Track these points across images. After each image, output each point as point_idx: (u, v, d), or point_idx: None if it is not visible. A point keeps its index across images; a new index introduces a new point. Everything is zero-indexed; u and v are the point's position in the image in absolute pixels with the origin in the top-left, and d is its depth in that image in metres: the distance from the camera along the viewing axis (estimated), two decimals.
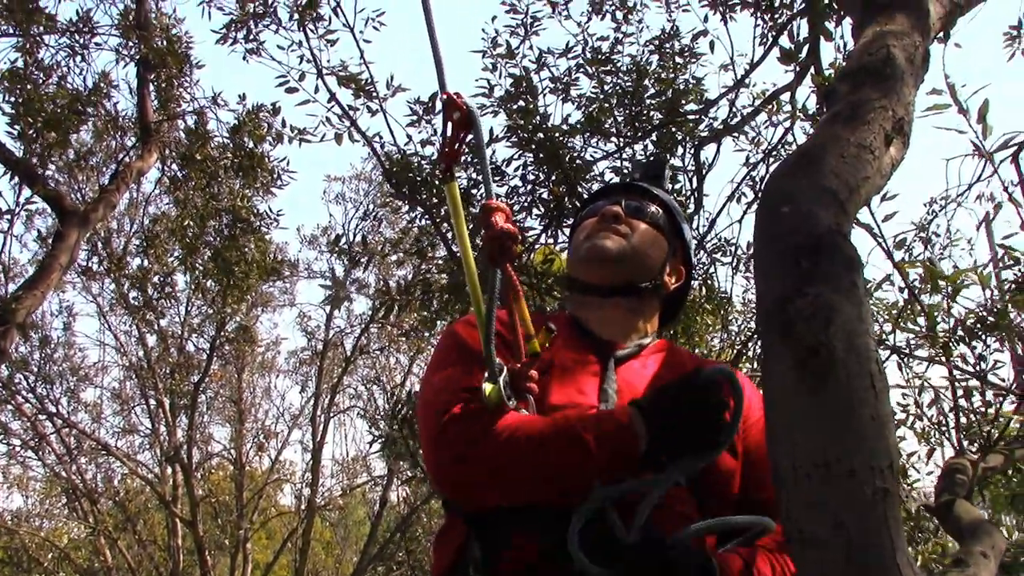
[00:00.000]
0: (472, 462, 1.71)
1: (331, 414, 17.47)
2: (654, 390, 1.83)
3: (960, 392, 3.20)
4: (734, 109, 4.86)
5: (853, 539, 1.54)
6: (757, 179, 5.17)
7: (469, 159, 4.14)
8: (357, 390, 18.38)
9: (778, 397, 1.68)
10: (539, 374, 1.80)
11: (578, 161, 4.49)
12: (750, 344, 5.49)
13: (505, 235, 1.75)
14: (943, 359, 3.07)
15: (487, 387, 1.73)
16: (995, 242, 4.37)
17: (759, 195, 2.07)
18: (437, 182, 4.63)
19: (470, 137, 1.86)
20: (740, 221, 5.20)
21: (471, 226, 2.02)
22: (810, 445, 1.60)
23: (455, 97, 1.79)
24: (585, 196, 2.19)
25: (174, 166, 7.99)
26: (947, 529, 2.52)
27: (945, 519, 2.47)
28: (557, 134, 4.45)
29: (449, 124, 1.86)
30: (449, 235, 4.74)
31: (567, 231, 4.76)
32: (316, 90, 5.71)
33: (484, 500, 1.77)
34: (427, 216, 4.77)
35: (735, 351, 5.50)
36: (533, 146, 4.39)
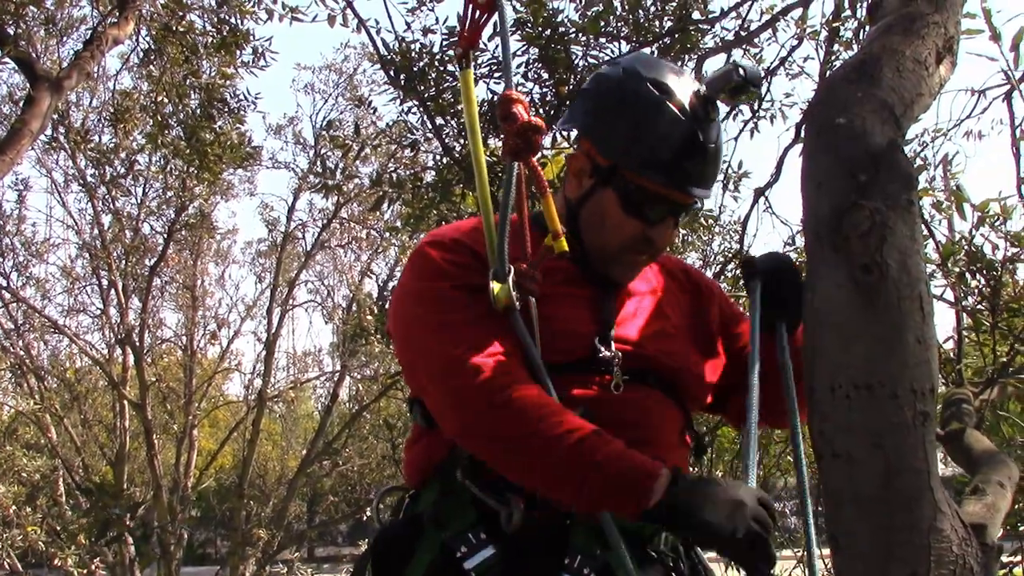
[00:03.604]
0: (485, 438, 1.63)
1: (287, 307, 17.39)
2: (692, 492, 1.55)
3: (966, 323, 3.24)
4: (744, 22, 4.77)
5: (891, 460, 1.52)
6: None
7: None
8: (314, 285, 18.33)
9: (823, 314, 1.64)
10: (538, 302, 1.72)
11: (584, 62, 4.40)
12: (729, 266, 5.51)
13: (529, 128, 1.66)
14: (950, 298, 3.10)
15: (495, 286, 1.69)
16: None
17: (811, 102, 1.99)
18: (434, 75, 4.51)
19: (492, 22, 1.77)
20: (736, 139, 5.19)
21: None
22: (854, 365, 1.57)
23: None
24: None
25: (147, 39, 7.72)
26: (956, 458, 2.52)
27: (954, 448, 2.49)
28: (570, 31, 4.32)
29: (471, 6, 1.77)
30: (446, 131, 4.64)
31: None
32: None
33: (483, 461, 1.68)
34: (421, 108, 4.66)
35: (714, 271, 5.52)
36: (542, 41, 4.27)
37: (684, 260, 2.40)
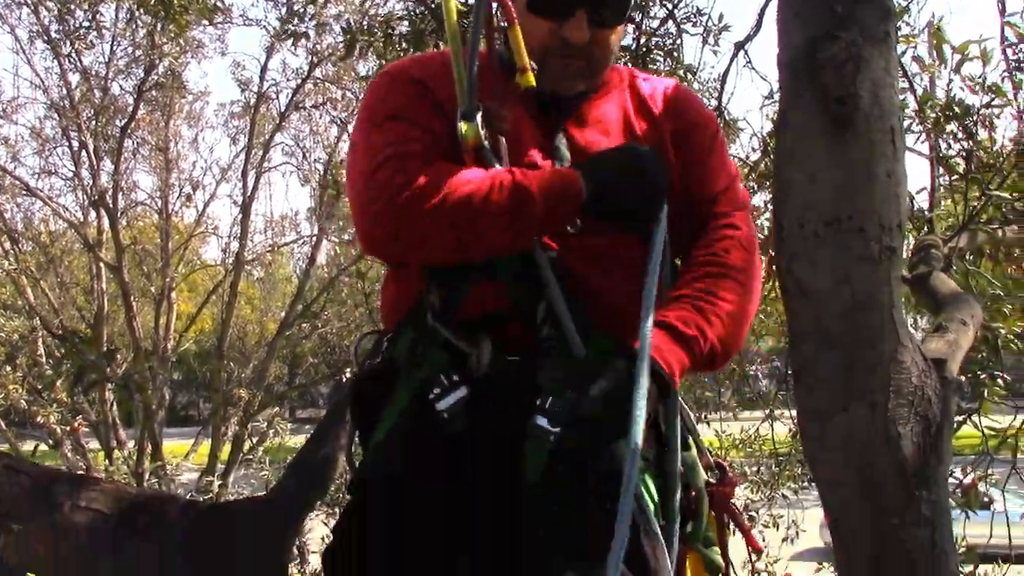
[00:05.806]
0: (405, 212, 1.58)
1: (262, 170, 17.15)
2: (593, 156, 1.70)
3: (940, 171, 3.23)
4: None
5: (856, 294, 1.54)
6: None
7: None
8: (290, 148, 18.02)
9: (795, 146, 1.63)
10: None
11: None
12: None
13: None
14: (926, 143, 3.08)
15: (463, 126, 1.63)
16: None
17: None
18: None
19: None
20: None
21: None
22: (823, 200, 1.57)
23: None
24: None
25: None
26: (921, 301, 2.56)
27: (920, 291, 2.53)
28: None
29: None
30: None
31: None
32: None
33: (414, 258, 1.68)
34: None
35: None
36: None
37: (682, 85, 2.25)
